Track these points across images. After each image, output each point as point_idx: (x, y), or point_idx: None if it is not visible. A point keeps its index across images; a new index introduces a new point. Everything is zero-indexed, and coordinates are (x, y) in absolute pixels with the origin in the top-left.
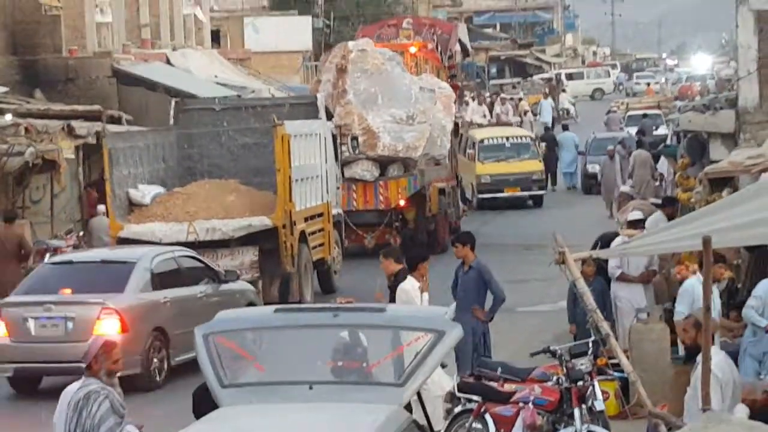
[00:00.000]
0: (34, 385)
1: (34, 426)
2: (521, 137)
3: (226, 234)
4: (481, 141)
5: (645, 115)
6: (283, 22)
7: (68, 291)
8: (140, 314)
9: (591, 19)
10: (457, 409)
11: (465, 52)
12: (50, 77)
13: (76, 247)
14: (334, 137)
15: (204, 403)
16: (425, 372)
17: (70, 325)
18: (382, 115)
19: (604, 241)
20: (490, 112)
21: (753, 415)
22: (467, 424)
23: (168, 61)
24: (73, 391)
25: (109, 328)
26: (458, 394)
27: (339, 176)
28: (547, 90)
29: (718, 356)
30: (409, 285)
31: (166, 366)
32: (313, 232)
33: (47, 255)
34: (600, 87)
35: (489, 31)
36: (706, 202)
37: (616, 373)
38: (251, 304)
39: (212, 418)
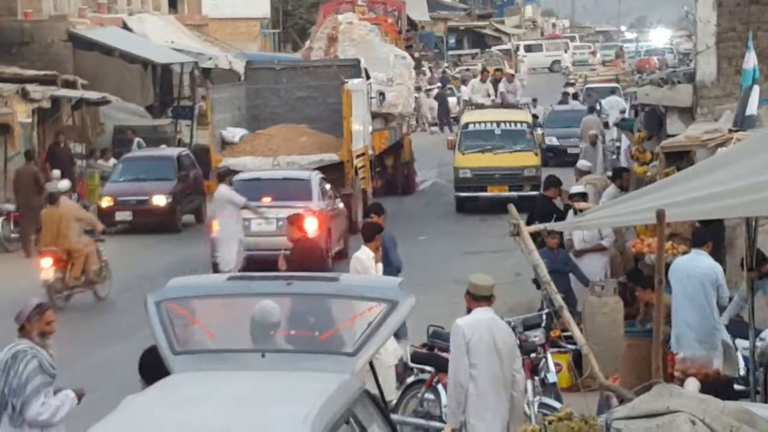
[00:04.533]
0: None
1: None
2: (515, 122)
3: (303, 166)
4: (465, 126)
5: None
6: None
7: (268, 199)
8: (324, 217)
9: None
10: (410, 380)
11: (413, 26)
12: (5, 40)
13: None
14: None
15: (152, 368)
16: (378, 342)
17: (281, 223)
18: None
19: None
20: (495, 90)
21: (704, 389)
22: (419, 395)
23: (125, 26)
24: (3, 352)
25: (310, 226)
26: (411, 365)
27: (370, 125)
28: (505, 62)
29: (474, 316)
30: (364, 255)
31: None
32: (360, 167)
33: (0, 219)
34: (558, 59)
35: (448, 1)
36: (665, 175)
37: (569, 346)
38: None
39: (163, 384)
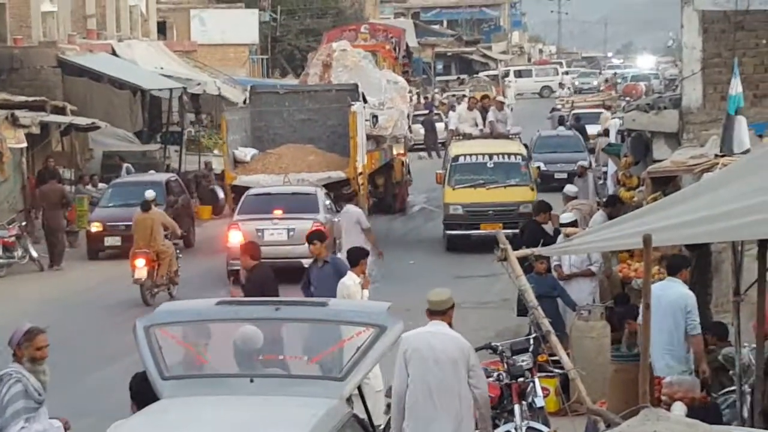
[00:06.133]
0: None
1: None
2: (509, 155)
3: (312, 183)
4: (455, 158)
5: (579, 118)
6: (229, 15)
7: (279, 212)
8: (330, 227)
9: (537, 17)
10: None
11: (409, 54)
12: None
13: (18, 237)
14: None
15: (142, 393)
16: (366, 366)
17: (291, 233)
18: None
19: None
20: (483, 119)
21: (691, 413)
22: None
23: (113, 52)
24: None
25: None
26: None
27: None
28: (493, 88)
29: (420, 328)
30: (351, 281)
31: None
32: (361, 184)
33: None
34: (548, 85)
35: (436, 27)
36: (652, 200)
37: (556, 370)
38: None
39: (152, 410)
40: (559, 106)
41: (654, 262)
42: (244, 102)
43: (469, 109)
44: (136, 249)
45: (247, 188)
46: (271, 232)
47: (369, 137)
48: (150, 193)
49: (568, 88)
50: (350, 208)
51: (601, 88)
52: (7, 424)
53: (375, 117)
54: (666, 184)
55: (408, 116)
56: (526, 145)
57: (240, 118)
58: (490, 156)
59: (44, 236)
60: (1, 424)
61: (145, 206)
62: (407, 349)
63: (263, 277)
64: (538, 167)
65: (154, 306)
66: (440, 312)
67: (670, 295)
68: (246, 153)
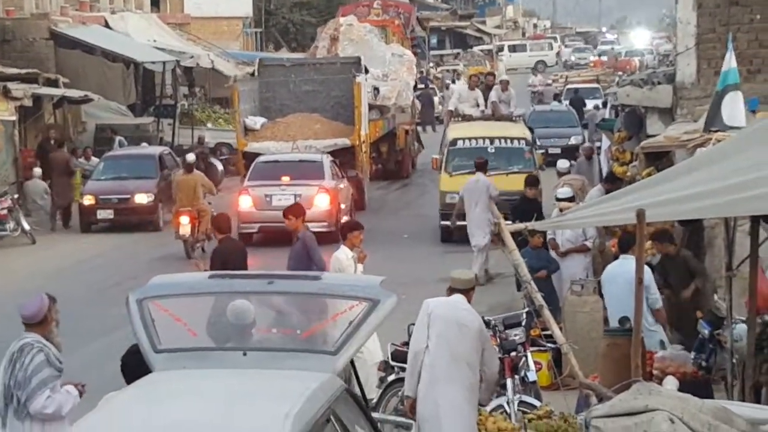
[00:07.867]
0: (250, 239)
1: None
2: (512, 139)
3: (319, 150)
4: (453, 142)
5: (576, 90)
6: None
7: (287, 178)
8: (335, 193)
9: None
10: (391, 378)
11: (422, 27)
12: None
13: (10, 210)
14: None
15: (133, 367)
16: (359, 340)
17: (298, 198)
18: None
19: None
20: (485, 99)
21: (682, 387)
22: (400, 393)
23: (106, 25)
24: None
25: (323, 201)
26: (392, 363)
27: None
28: (487, 62)
29: (441, 298)
30: (343, 254)
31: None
32: (364, 152)
33: None
34: (542, 59)
35: (430, 1)
36: (646, 175)
37: (549, 344)
38: None
39: (144, 382)
40: (550, 82)
41: (646, 238)
42: (252, 74)
43: (471, 88)
44: (180, 207)
45: (256, 155)
46: (279, 197)
47: (372, 107)
48: (191, 157)
49: (566, 62)
50: (481, 178)
51: (592, 65)
52: (33, 393)
53: (376, 89)
54: (659, 159)
55: (415, 88)
56: (531, 129)
57: (249, 89)
58: (491, 140)
59: (52, 202)
60: (28, 394)
61: (189, 168)
62: (431, 312)
63: (229, 250)
64: (544, 152)
65: (195, 258)
66: (462, 290)
67: (625, 272)
68: (256, 121)
